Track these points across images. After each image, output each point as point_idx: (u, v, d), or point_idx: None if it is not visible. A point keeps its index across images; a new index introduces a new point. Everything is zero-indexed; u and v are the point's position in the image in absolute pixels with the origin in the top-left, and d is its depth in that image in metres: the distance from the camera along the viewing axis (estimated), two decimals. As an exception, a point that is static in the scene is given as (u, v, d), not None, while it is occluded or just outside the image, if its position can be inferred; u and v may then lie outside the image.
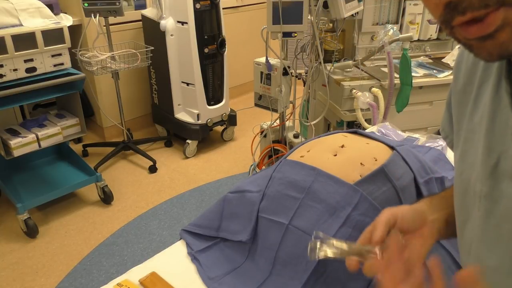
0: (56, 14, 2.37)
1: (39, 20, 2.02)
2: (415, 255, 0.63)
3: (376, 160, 1.03)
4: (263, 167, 2.40)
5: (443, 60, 2.52)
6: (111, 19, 2.54)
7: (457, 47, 2.52)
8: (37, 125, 2.17)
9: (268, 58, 2.10)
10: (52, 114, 2.30)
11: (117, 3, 2.39)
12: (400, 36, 1.95)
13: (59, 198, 2.37)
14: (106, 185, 2.42)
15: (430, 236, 0.67)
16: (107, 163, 2.81)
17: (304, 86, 2.28)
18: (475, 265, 0.57)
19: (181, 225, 2.07)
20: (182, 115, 2.95)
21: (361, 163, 1.01)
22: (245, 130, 3.29)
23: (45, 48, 1.96)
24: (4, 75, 1.88)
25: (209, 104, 2.92)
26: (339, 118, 2.20)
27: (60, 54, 2.03)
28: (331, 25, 2.21)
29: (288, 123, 2.36)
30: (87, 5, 2.35)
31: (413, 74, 2.10)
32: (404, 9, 2.38)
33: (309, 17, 1.96)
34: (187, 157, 2.96)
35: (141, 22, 2.96)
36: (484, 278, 0.48)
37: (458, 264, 1.04)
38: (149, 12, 2.85)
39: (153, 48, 2.65)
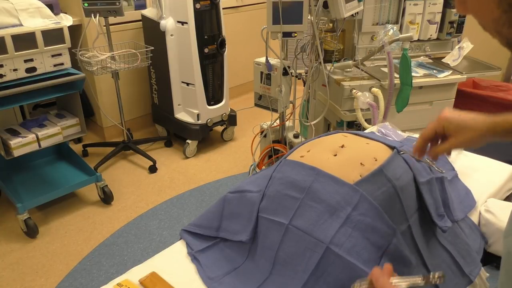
0: (56, 14, 2.37)
1: (39, 20, 2.02)
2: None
3: (376, 160, 1.03)
4: (263, 167, 2.40)
5: (443, 60, 2.51)
6: (111, 19, 2.54)
7: (456, 47, 2.52)
8: (37, 125, 2.17)
9: (268, 58, 2.10)
10: (52, 114, 2.30)
11: (117, 3, 2.39)
12: (400, 36, 1.95)
13: (59, 198, 2.37)
14: (106, 185, 2.42)
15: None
16: (107, 163, 2.81)
17: (304, 86, 2.28)
18: None
19: (181, 225, 2.07)
20: (182, 115, 2.95)
21: (361, 163, 1.01)
22: (245, 130, 3.29)
23: (45, 48, 1.96)
24: (4, 75, 1.88)
25: (209, 104, 2.92)
26: (339, 118, 2.20)
27: (60, 54, 2.03)
28: (331, 25, 2.21)
29: (288, 123, 2.36)
30: (87, 5, 2.35)
31: (413, 74, 2.10)
32: (404, 9, 2.38)
33: (309, 17, 1.96)
34: (187, 157, 2.96)
35: (141, 22, 2.96)
36: None
37: (458, 264, 1.04)
38: (149, 12, 2.85)
39: (153, 48, 2.65)
